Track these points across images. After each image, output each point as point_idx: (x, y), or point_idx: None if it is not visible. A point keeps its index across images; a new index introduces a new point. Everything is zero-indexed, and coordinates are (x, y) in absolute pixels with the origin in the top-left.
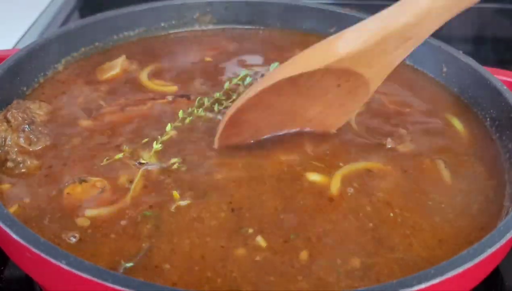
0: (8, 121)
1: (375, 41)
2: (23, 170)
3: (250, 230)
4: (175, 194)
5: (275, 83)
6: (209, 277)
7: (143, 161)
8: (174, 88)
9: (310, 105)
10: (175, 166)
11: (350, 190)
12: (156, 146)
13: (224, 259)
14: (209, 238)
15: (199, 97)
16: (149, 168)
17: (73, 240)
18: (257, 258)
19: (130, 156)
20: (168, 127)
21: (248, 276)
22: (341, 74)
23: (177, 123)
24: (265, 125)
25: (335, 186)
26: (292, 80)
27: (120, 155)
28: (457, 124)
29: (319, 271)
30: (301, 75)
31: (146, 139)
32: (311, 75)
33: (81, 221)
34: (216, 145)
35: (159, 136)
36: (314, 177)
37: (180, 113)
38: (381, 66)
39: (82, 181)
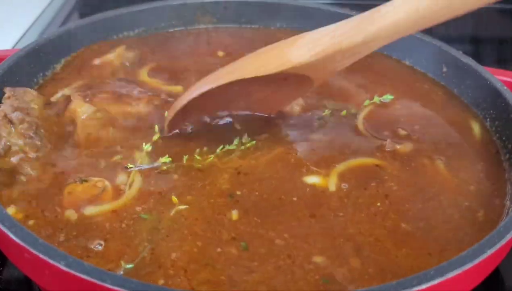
0: (12, 123)
1: (325, 55)
2: (25, 170)
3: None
4: (174, 198)
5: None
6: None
7: (130, 166)
8: (172, 87)
9: (256, 91)
10: (166, 167)
11: (345, 186)
12: (146, 147)
13: None
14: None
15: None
16: (142, 168)
17: (99, 247)
18: None
19: (125, 155)
20: (156, 129)
21: None
22: (290, 74)
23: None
24: (212, 107)
25: (332, 182)
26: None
27: (117, 157)
28: (458, 124)
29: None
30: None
31: (139, 138)
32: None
33: (70, 214)
34: (166, 131)
35: (153, 137)
36: (312, 178)
37: (166, 114)
38: (326, 71)
39: (83, 180)
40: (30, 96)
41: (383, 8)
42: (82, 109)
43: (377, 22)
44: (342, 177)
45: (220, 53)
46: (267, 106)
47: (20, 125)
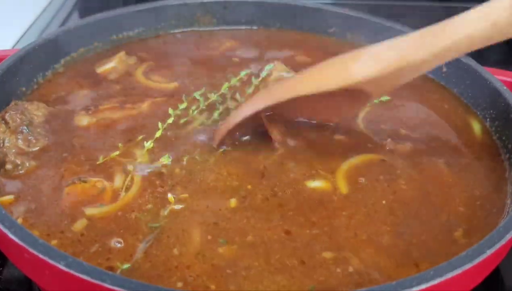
0: (6, 123)
1: (390, 71)
2: (21, 172)
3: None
4: (170, 198)
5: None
6: None
7: (130, 168)
8: (172, 86)
9: (308, 104)
10: (165, 168)
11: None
12: (147, 145)
13: None
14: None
15: (193, 96)
16: (141, 168)
17: (119, 245)
18: None
19: (125, 155)
20: (160, 126)
21: None
22: (350, 89)
23: (169, 122)
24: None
25: (341, 184)
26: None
27: (116, 153)
28: (458, 124)
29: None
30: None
31: (140, 137)
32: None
33: (79, 223)
34: (214, 144)
35: (152, 135)
36: (315, 182)
37: (171, 112)
38: (387, 86)
39: (82, 181)
40: (35, 106)
41: (456, 21)
42: (82, 120)
43: (449, 35)
44: (348, 178)
45: (218, 54)
46: (323, 116)
47: (13, 124)
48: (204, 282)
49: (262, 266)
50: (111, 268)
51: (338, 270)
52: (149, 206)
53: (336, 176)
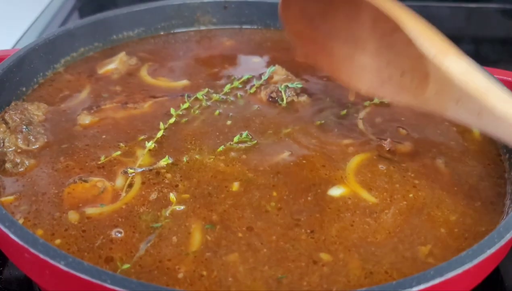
0: (6, 123)
1: (467, 89)
2: (21, 169)
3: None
4: (172, 198)
5: None
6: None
7: (131, 171)
8: (173, 86)
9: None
10: (166, 169)
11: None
12: (149, 145)
13: None
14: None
15: (194, 96)
16: (143, 168)
17: (119, 235)
18: None
19: (126, 155)
20: (161, 126)
21: None
22: (429, 77)
23: (171, 121)
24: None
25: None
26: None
27: (117, 153)
28: (458, 124)
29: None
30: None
31: (142, 137)
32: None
33: (73, 217)
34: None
35: (154, 135)
36: (335, 190)
37: (173, 112)
38: (441, 101)
39: (83, 181)
40: (35, 106)
41: None
42: (84, 120)
43: None
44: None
45: (219, 54)
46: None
47: (13, 123)
48: (206, 286)
49: (258, 267)
50: (112, 258)
51: (312, 265)
52: (150, 205)
53: (348, 180)
